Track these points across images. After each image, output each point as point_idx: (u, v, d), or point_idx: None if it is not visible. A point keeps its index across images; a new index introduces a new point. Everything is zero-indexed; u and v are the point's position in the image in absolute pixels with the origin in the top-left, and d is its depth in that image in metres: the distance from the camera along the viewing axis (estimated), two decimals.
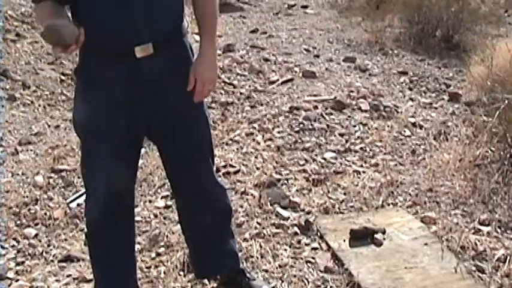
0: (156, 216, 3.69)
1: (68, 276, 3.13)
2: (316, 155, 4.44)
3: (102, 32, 2.24)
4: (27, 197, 3.94)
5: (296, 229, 3.47)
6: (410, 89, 6.16)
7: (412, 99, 5.81)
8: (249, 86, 5.98)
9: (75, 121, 2.48)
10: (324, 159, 4.38)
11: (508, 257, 3.17)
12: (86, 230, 2.69)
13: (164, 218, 3.66)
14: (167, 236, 3.42)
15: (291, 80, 6.11)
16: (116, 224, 2.54)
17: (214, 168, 2.71)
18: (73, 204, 3.85)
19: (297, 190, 3.94)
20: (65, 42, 2.04)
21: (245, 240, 3.36)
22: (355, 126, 4.97)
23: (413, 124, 5.07)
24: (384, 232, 3.37)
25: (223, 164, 4.21)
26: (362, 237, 3.34)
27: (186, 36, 2.46)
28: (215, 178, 2.68)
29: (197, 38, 2.57)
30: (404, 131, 4.93)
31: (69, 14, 2.34)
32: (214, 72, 2.46)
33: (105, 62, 2.31)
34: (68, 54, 2.11)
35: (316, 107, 5.24)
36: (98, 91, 2.35)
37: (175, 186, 2.71)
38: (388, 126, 4.98)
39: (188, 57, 2.45)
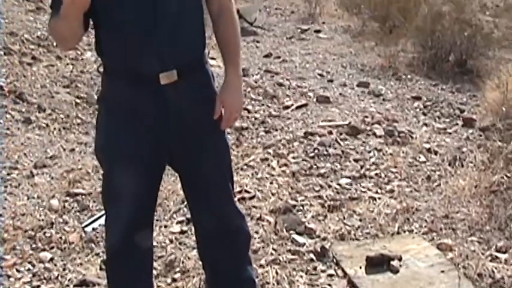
0: (171, 241, 3.69)
1: None
2: (331, 181, 4.44)
3: (127, 61, 2.28)
4: (42, 220, 3.96)
5: (312, 255, 3.47)
6: (425, 114, 6.16)
7: (426, 125, 5.81)
8: (264, 111, 6.00)
9: (98, 149, 2.50)
10: (339, 185, 4.38)
11: None
12: (104, 256, 2.70)
13: (180, 243, 3.66)
14: (183, 262, 3.42)
15: (305, 105, 6.13)
16: (136, 251, 2.54)
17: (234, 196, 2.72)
18: (88, 229, 3.86)
19: (312, 216, 3.94)
20: None
21: (261, 266, 3.35)
22: (369, 152, 4.97)
23: (428, 150, 5.05)
24: (400, 259, 3.36)
25: (238, 189, 4.21)
26: (378, 264, 3.33)
27: (207, 62, 2.49)
28: (235, 205, 2.69)
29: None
30: (419, 157, 4.92)
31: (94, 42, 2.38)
32: (240, 100, 2.48)
33: (129, 88, 2.33)
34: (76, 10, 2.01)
35: (330, 133, 5.25)
36: (122, 118, 2.37)
37: (194, 212, 2.70)
38: (402, 152, 4.97)
39: (210, 83, 2.47)
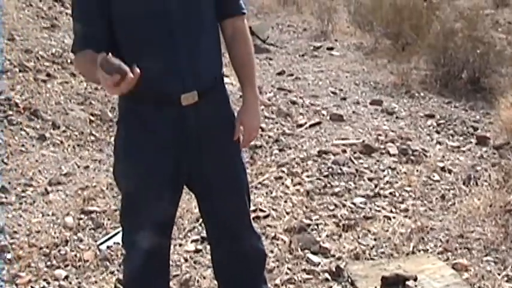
0: (186, 260, 3.70)
1: None
2: (345, 200, 4.43)
3: (149, 81, 2.28)
4: (57, 237, 3.98)
5: (327, 275, 3.47)
6: (438, 132, 6.14)
7: (439, 143, 5.79)
8: (278, 129, 6.00)
9: (117, 170, 2.53)
10: (354, 204, 4.38)
11: None
12: (119, 275, 2.71)
13: (195, 262, 3.67)
14: (198, 281, 3.42)
15: (318, 123, 6.13)
16: (154, 273, 2.56)
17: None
18: (103, 247, 3.87)
19: (327, 235, 3.93)
20: (125, 70, 2.01)
21: (276, 286, 3.36)
22: (383, 170, 4.96)
23: (442, 168, 5.04)
24: (415, 279, 3.35)
25: (253, 208, 4.19)
26: (393, 284, 3.32)
27: (224, 84, 2.53)
28: (250, 224, 2.70)
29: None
30: (433, 176, 4.91)
31: None
32: (258, 120, 2.55)
33: (149, 110, 2.35)
34: (121, 90, 2.03)
35: (344, 151, 5.25)
36: (142, 140, 2.40)
37: (211, 232, 2.72)
38: (417, 170, 4.96)
39: (227, 102, 2.52)
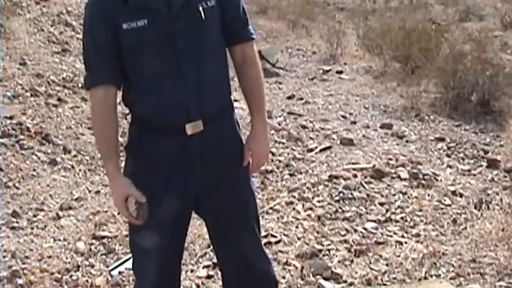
0: (198, 286, 3.70)
1: None
2: (357, 225, 4.42)
3: (154, 110, 2.34)
4: (69, 263, 3.99)
5: None
6: (448, 156, 6.13)
7: (450, 166, 5.78)
8: (288, 154, 6.00)
9: None
10: (365, 229, 4.37)
11: None
12: None
13: None
14: None
15: (329, 147, 6.13)
16: None
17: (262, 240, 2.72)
18: (115, 272, 3.88)
19: (339, 261, 3.92)
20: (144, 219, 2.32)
21: None
22: (394, 195, 4.95)
23: (453, 192, 5.02)
24: None
25: (264, 233, 4.20)
26: None
27: (233, 111, 2.54)
28: (262, 250, 2.69)
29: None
30: (445, 200, 4.89)
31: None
32: (267, 146, 2.56)
33: (156, 138, 2.38)
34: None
35: (355, 176, 5.24)
36: (148, 166, 2.41)
37: (221, 258, 2.72)
38: (428, 195, 4.95)
39: (235, 128, 2.52)
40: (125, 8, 2.27)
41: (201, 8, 2.30)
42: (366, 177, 5.24)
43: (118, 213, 4.61)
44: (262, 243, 2.73)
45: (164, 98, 2.33)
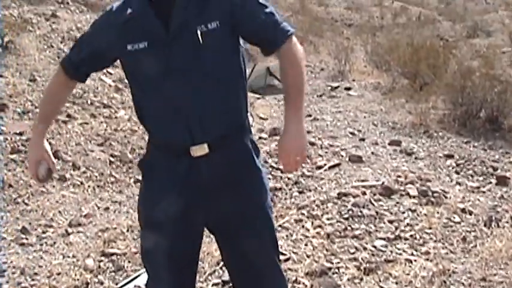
0: None
1: None
2: (366, 243, 4.41)
3: (160, 133, 2.39)
4: (77, 280, 3.99)
5: None
6: (457, 173, 6.12)
7: (459, 184, 5.77)
8: (297, 171, 5.98)
9: (138, 211, 2.58)
10: (374, 247, 4.35)
11: None
12: None
13: None
14: None
15: (338, 164, 6.11)
16: None
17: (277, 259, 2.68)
18: None
19: (348, 279, 3.91)
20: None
21: None
22: (404, 212, 4.92)
23: (463, 210, 5.00)
24: None
25: None
26: None
27: (246, 133, 2.50)
28: (278, 267, 2.66)
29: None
30: (454, 217, 4.87)
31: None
32: (299, 143, 2.35)
33: (165, 157, 2.41)
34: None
35: (364, 193, 5.22)
36: (157, 183, 2.45)
37: (234, 274, 2.70)
38: (437, 212, 4.93)
39: (248, 155, 2.48)
40: (131, 29, 2.31)
41: (199, 32, 2.27)
42: (375, 194, 5.23)
43: (127, 230, 4.63)
44: (278, 260, 2.68)
45: (167, 120, 2.35)
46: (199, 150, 2.34)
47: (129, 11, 2.34)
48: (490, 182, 5.82)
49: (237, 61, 2.42)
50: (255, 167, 2.49)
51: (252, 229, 2.51)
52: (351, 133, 7.44)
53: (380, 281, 3.90)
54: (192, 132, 2.32)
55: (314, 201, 5.14)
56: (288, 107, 2.40)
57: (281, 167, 2.42)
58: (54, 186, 5.55)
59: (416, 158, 6.52)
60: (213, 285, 3.88)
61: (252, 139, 2.52)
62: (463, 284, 3.88)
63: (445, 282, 3.89)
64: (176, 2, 2.28)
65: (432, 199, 5.17)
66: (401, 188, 5.38)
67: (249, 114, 2.51)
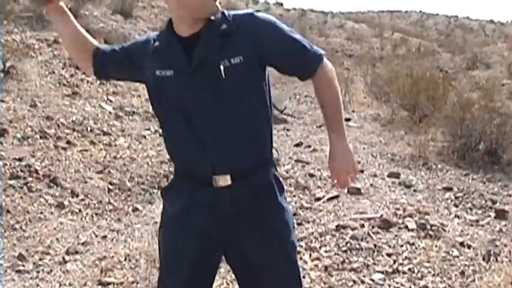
0: None
1: None
2: (364, 276, 4.39)
3: (183, 162, 2.43)
4: None
5: None
6: (456, 206, 6.11)
7: (458, 217, 5.75)
8: (296, 203, 5.98)
9: (158, 238, 2.60)
10: (373, 280, 4.33)
11: None
12: None
13: None
14: None
15: (336, 196, 6.10)
16: None
17: None
18: None
19: None
20: None
21: None
22: (402, 246, 4.90)
23: (461, 244, 4.98)
24: None
25: None
26: None
27: (269, 168, 2.50)
28: None
29: None
30: (452, 251, 4.85)
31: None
32: (347, 161, 2.42)
33: (188, 187, 2.42)
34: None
35: (362, 226, 5.21)
36: (177, 211, 2.47)
37: None
38: (435, 246, 4.91)
39: (270, 190, 2.47)
40: (160, 58, 2.39)
41: (222, 67, 2.30)
42: (373, 227, 5.22)
43: (125, 259, 4.61)
44: None
45: (189, 149, 2.37)
46: (222, 180, 2.35)
47: (156, 43, 2.43)
48: (489, 215, 5.81)
49: (262, 93, 2.42)
50: (277, 204, 2.48)
51: (272, 270, 2.50)
52: None
53: None
54: (214, 163, 2.34)
55: (312, 233, 5.12)
56: (330, 128, 2.45)
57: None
58: (52, 213, 5.54)
59: (415, 191, 6.52)
60: None
61: (275, 174, 2.51)
62: None
63: None
64: (200, 37, 2.34)
65: (431, 232, 5.16)
66: (400, 220, 5.37)
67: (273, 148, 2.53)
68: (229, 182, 2.35)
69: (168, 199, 2.56)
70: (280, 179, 2.55)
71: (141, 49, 2.50)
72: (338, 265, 4.55)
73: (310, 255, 4.72)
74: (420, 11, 64.38)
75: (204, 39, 2.33)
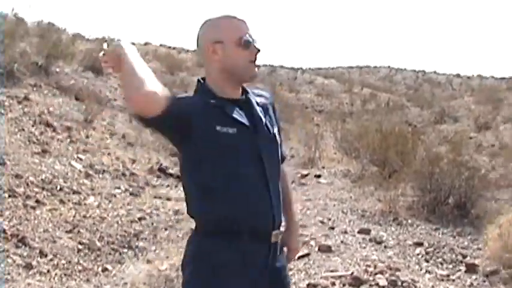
0: None
1: None
2: None
3: (240, 215, 2.41)
4: None
5: None
6: (427, 261, 6.12)
7: (429, 272, 5.76)
8: None
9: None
10: None
11: None
12: None
13: None
14: None
15: (307, 254, 6.05)
16: None
17: None
18: None
19: None
20: None
21: None
22: None
23: None
24: None
25: None
26: None
27: None
28: None
29: None
30: None
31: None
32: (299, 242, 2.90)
33: (232, 246, 2.42)
34: None
35: (333, 284, 5.19)
36: (224, 278, 2.42)
37: None
38: None
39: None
40: (219, 113, 2.44)
41: (276, 130, 2.61)
42: (344, 285, 5.20)
43: None
44: None
45: (253, 204, 2.42)
46: (277, 235, 2.48)
47: (213, 101, 2.46)
48: (460, 270, 5.83)
49: None
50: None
51: None
52: (321, 221, 7.40)
53: None
54: (274, 216, 2.45)
55: None
56: (288, 212, 2.70)
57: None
58: (19, 274, 5.45)
59: (385, 247, 6.51)
60: None
61: None
62: None
63: None
64: (251, 100, 2.57)
65: None
66: (371, 278, 5.35)
67: None
68: (280, 236, 2.50)
69: (203, 268, 2.44)
70: None
71: (193, 106, 2.46)
72: None
73: None
74: (389, 66, 65.49)
75: (254, 104, 2.56)
